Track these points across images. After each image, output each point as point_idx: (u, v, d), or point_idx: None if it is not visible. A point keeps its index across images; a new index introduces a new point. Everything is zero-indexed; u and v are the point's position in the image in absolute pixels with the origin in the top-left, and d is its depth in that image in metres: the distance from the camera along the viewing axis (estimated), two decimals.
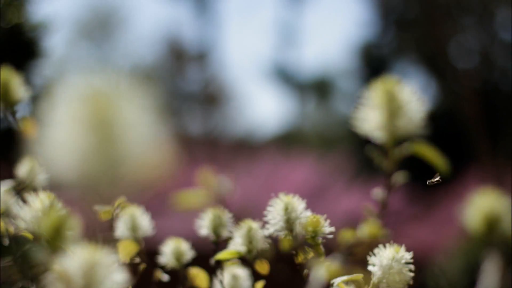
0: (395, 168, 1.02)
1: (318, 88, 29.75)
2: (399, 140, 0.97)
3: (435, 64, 9.59)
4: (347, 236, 1.18)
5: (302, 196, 1.37)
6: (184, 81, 23.28)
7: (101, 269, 0.94)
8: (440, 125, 20.98)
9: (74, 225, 1.05)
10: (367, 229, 1.15)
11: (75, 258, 0.95)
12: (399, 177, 1.05)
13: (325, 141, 32.72)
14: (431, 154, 0.96)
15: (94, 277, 0.95)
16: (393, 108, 0.96)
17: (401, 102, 0.96)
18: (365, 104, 0.99)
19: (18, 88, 1.54)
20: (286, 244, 1.29)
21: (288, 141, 29.24)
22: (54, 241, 1.03)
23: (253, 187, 13.04)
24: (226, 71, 27.75)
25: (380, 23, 18.59)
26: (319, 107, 30.37)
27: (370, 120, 0.97)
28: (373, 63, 19.90)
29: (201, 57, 23.74)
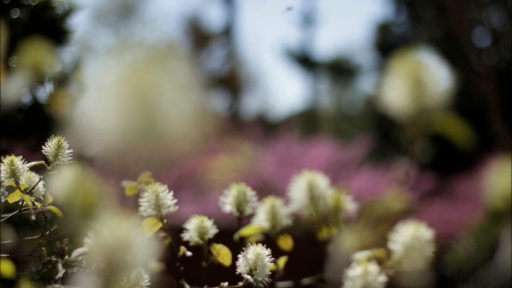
0: (418, 143, 1.03)
1: (334, 67, 29.66)
2: (422, 113, 0.98)
3: (451, 43, 9.52)
4: (369, 212, 1.20)
5: (321, 173, 1.38)
6: (205, 60, 23.29)
7: (131, 241, 0.96)
8: (455, 104, 20.86)
9: (104, 198, 1.07)
10: (389, 205, 1.16)
11: (106, 231, 0.97)
12: (421, 153, 1.06)
13: (342, 119, 32.63)
14: (456, 127, 0.97)
15: (124, 250, 0.97)
16: (417, 80, 0.96)
17: (425, 74, 0.97)
18: (388, 78, 0.99)
19: (48, 63, 1.56)
20: (309, 220, 1.31)
21: (305, 120, 29.20)
22: (85, 213, 1.06)
23: (272, 164, 13.06)
24: (245, 50, 27.71)
25: (395, 2, 18.43)
26: (336, 86, 30.27)
27: (394, 92, 0.98)
28: (389, 42, 19.73)
29: (221, 36, 23.74)
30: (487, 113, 8.40)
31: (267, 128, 23.46)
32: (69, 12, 2.92)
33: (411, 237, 1.31)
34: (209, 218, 1.57)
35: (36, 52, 1.54)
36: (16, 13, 2.56)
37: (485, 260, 8.50)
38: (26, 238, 1.70)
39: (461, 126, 0.96)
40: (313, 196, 1.32)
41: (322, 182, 1.34)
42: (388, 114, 1.00)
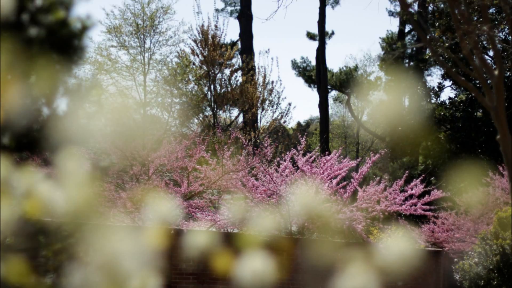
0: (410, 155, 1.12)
1: (343, 80, 29.70)
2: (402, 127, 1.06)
3: (458, 55, 9.59)
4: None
5: (329, 181, 1.47)
6: (220, 71, 23.40)
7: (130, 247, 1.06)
8: (460, 113, 20.78)
9: (100, 205, 1.17)
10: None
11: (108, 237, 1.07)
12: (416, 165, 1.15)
13: (350, 130, 32.54)
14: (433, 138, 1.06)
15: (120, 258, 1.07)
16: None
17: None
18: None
19: (64, 79, 1.65)
20: (301, 223, 1.40)
21: (316, 130, 29.14)
22: (81, 220, 1.15)
23: (283, 172, 13.15)
24: (258, 62, 27.88)
25: (402, 16, 18.47)
26: (345, 97, 30.31)
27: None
28: (397, 55, 19.77)
29: (235, 48, 23.88)
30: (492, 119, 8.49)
31: (280, 137, 23.56)
32: (85, 28, 3.02)
33: (397, 241, 1.39)
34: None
35: (51, 68, 1.65)
36: (33, 31, 2.67)
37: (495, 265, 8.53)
38: (39, 244, 1.80)
39: (429, 133, 1.05)
40: (305, 202, 1.42)
41: (315, 189, 1.43)
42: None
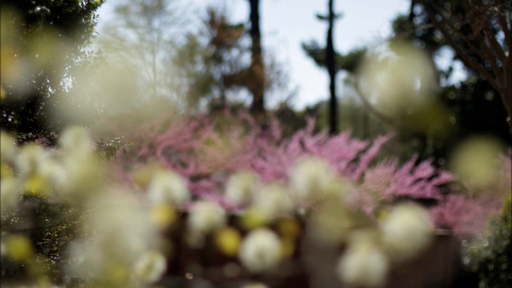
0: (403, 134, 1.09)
1: (353, 62, 29.58)
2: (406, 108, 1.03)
3: (469, 36, 9.51)
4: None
5: (338, 163, 1.45)
6: (227, 52, 23.34)
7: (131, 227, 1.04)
8: (471, 96, 20.70)
9: (101, 182, 1.15)
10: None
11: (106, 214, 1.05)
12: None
13: (359, 113, 32.49)
14: (437, 119, 1.03)
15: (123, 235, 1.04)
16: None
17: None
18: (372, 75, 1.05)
19: (69, 56, 1.62)
20: (309, 205, 1.38)
21: (325, 112, 29.12)
22: (82, 196, 1.13)
23: (291, 154, 13.14)
24: (267, 43, 27.81)
25: None
26: (354, 80, 30.18)
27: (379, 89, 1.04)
28: (407, 37, 19.67)
29: (244, 29, 23.80)
30: (502, 105, 8.42)
31: (288, 119, 23.52)
32: (91, 6, 2.99)
33: (406, 223, 1.37)
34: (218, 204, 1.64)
35: (56, 46, 1.62)
36: (38, 8, 2.64)
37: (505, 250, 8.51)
38: (44, 224, 1.79)
39: (439, 115, 1.02)
40: (312, 183, 1.39)
41: (322, 170, 1.40)
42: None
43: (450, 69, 22.17)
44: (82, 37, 2.85)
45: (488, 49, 7.65)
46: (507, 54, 7.48)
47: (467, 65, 21.21)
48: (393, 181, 12.77)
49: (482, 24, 7.18)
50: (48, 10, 2.67)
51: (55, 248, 1.85)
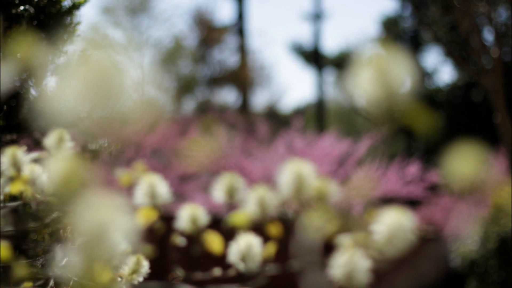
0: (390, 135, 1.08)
1: (340, 62, 29.61)
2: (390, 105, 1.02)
3: (457, 37, 9.54)
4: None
5: (325, 163, 1.44)
6: (215, 53, 23.32)
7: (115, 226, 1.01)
8: (458, 97, 20.79)
9: (92, 185, 1.13)
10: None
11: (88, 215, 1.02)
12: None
13: (350, 112, 32.55)
14: (421, 117, 1.01)
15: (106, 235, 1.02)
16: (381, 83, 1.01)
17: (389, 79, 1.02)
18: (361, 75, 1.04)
19: (52, 57, 1.60)
20: (294, 206, 1.36)
21: (313, 113, 29.16)
22: (65, 197, 1.11)
23: (278, 155, 13.13)
24: (254, 44, 27.82)
25: None
26: (341, 80, 30.23)
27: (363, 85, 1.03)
28: (394, 37, 19.72)
29: (231, 29, 23.78)
30: (490, 106, 8.45)
31: (275, 120, 23.53)
32: (76, 6, 2.96)
33: (393, 224, 1.36)
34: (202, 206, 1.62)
35: (40, 46, 1.60)
36: (22, 7, 2.61)
37: (493, 251, 8.53)
38: (27, 227, 1.76)
39: (426, 116, 1.01)
40: (297, 184, 1.37)
41: (308, 170, 1.39)
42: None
43: (438, 70, 22.26)
44: (66, 37, 2.82)
45: (476, 49, 7.68)
46: (495, 55, 7.50)
47: (455, 66, 21.31)
48: (380, 182, 12.80)
49: (470, 24, 7.21)
50: (32, 10, 2.64)
51: (39, 252, 1.82)
